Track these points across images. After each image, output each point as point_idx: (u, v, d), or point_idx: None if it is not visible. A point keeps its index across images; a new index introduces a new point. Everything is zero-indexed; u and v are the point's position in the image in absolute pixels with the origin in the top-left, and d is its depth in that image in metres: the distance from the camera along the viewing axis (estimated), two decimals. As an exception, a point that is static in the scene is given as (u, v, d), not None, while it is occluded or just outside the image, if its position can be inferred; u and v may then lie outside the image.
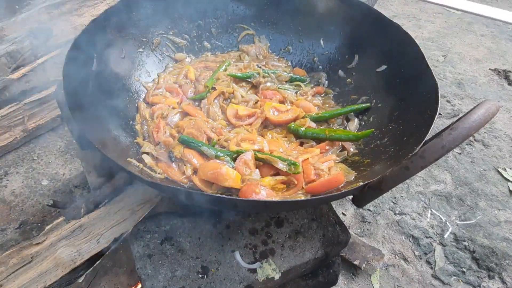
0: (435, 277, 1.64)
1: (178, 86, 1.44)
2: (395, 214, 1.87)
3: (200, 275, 1.04)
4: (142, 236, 1.10)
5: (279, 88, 1.45)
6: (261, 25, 1.69)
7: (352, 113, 1.38)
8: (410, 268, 1.67)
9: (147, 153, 1.19)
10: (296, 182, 1.08)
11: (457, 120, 0.81)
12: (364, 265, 1.62)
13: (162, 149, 1.19)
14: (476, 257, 1.69)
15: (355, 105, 1.38)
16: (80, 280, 1.10)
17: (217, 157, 1.11)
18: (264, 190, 1.01)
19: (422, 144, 0.98)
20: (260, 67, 1.55)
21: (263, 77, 1.46)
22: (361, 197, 0.94)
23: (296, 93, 1.47)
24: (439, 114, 2.46)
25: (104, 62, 1.31)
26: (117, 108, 1.29)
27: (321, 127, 1.32)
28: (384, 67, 1.38)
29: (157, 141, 1.22)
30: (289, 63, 1.65)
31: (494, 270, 1.65)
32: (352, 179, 1.09)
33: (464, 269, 1.66)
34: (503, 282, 1.62)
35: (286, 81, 1.51)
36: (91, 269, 1.12)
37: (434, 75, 1.14)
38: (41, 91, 2.16)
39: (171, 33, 1.58)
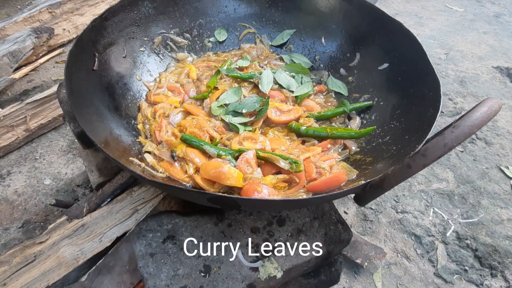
0: (437, 275, 1.64)
1: (180, 86, 1.44)
2: (397, 212, 1.87)
3: (202, 274, 1.04)
4: (144, 235, 1.10)
5: (281, 87, 1.44)
6: (262, 24, 1.69)
7: (354, 111, 1.38)
8: (412, 267, 1.67)
9: (149, 152, 1.19)
10: (297, 181, 1.08)
11: (459, 118, 0.80)
12: (366, 264, 1.62)
13: (164, 148, 1.20)
14: (479, 256, 1.69)
15: (357, 103, 1.38)
16: (83, 278, 1.10)
17: (219, 156, 1.11)
18: (266, 189, 1.01)
19: (424, 142, 0.98)
20: (262, 67, 1.55)
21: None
22: (363, 195, 0.94)
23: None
24: (441, 112, 2.46)
25: (106, 62, 1.31)
26: (119, 107, 1.30)
27: (323, 126, 1.32)
28: (386, 65, 1.38)
29: (159, 140, 1.23)
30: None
31: (497, 268, 1.65)
32: (354, 177, 1.09)
33: (466, 268, 1.66)
34: (506, 280, 1.61)
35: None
36: (93, 267, 1.12)
37: (436, 73, 1.14)
38: (43, 90, 2.17)
39: (172, 32, 1.58)
